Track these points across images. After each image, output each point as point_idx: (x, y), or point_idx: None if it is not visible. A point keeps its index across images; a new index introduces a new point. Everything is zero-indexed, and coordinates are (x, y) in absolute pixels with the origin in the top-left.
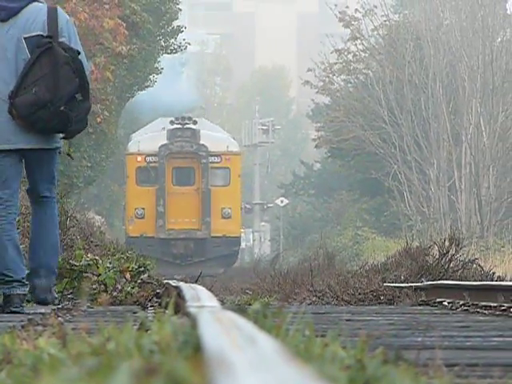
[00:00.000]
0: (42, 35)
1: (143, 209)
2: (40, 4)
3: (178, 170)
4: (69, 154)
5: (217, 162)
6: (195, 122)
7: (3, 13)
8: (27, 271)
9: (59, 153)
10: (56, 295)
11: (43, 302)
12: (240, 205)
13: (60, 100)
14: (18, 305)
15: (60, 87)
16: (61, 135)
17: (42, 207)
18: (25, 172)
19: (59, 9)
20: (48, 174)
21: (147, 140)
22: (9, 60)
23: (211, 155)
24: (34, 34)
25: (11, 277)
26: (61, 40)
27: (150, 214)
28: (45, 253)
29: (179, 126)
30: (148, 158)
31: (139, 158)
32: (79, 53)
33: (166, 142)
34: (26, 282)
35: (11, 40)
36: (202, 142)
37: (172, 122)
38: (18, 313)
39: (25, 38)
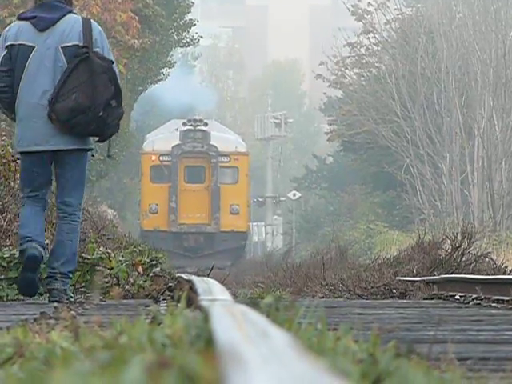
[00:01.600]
0: (78, 45)
1: (157, 204)
2: (75, 15)
3: (190, 168)
4: (109, 156)
5: (226, 162)
6: (206, 124)
7: (41, 23)
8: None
9: (92, 155)
10: (71, 294)
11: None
12: (247, 202)
13: (98, 106)
14: (32, 253)
15: (98, 94)
16: (95, 138)
17: (66, 216)
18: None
19: (92, 21)
20: (77, 180)
21: (161, 140)
22: (47, 68)
23: (221, 155)
24: (70, 43)
25: (32, 237)
26: (95, 50)
27: (163, 210)
28: (64, 261)
29: (191, 127)
30: (162, 157)
31: (153, 157)
32: (113, 62)
33: (178, 142)
34: (45, 246)
35: (49, 49)
36: (212, 142)
37: (184, 124)
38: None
39: (62, 48)
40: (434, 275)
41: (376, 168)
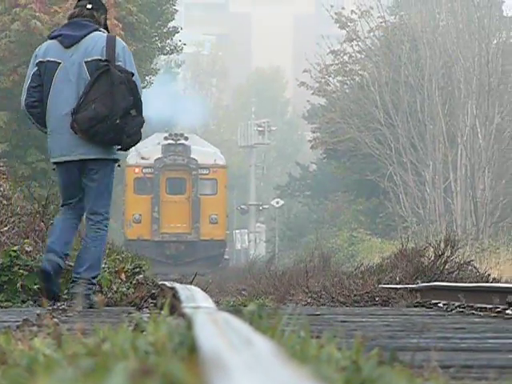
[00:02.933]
0: (100, 59)
1: (140, 215)
2: (100, 33)
3: (171, 180)
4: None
5: (205, 174)
6: (186, 138)
7: (67, 40)
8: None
9: (118, 166)
10: (96, 299)
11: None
12: (225, 212)
13: (115, 115)
14: (47, 268)
15: (115, 104)
16: (118, 147)
17: (93, 224)
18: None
19: (117, 37)
20: (104, 188)
21: (144, 154)
22: (71, 82)
23: (200, 168)
24: (93, 58)
25: (51, 247)
26: (117, 63)
27: (146, 220)
28: (88, 267)
29: (172, 141)
30: (144, 170)
31: (137, 170)
32: (133, 74)
33: (160, 155)
34: (63, 257)
35: (73, 64)
36: (192, 156)
37: (166, 138)
38: (48, 279)
39: (85, 62)
40: (417, 283)
41: (359, 176)
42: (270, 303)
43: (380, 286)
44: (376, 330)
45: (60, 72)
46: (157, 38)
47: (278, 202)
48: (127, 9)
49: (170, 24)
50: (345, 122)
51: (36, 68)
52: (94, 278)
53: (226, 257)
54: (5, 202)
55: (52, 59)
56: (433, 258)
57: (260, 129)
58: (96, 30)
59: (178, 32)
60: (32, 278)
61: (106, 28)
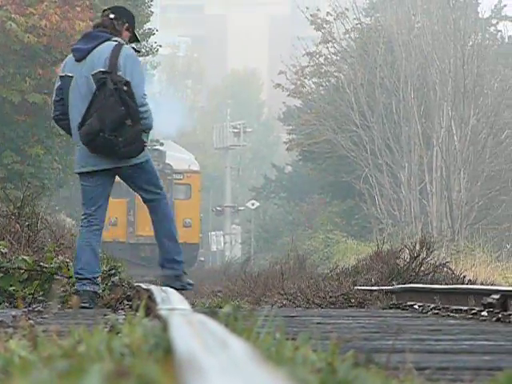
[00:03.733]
0: (102, 71)
1: (116, 218)
2: (110, 42)
3: None
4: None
5: (180, 179)
6: (162, 144)
7: (78, 54)
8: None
9: (147, 162)
10: (189, 281)
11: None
12: (199, 216)
13: (107, 128)
14: (86, 301)
15: (106, 117)
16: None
17: (152, 210)
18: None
19: (125, 46)
20: (145, 182)
21: None
22: (81, 95)
23: (175, 173)
24: (97, 70)
25: (83, 275)
26: (118, 73)
27: (122, 223)
28: (165, 248)
29: (148, 147)
30: None
31: None
32: (128, 82)
33: None
34: (98, 282)
35: (82, 77)
36: (167, 161)
37: None
38: (87, 308)
39: (92, 75)
40: (393, 285)
41: (335, 177)
42: (245, 305)
43: (355, 287)
44: (351, 331)
45: (73, 86)
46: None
47: (253, 204)
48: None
49: (146, 26)
50: (320, 124)
51: (59, 82)
52: (179, 257)
53: (202, 258)
54: None
55: (67, 73)
56: (408, 260)
57: (235, 130)
58: (107, 39)
59: (154, 34)
60: (7, 279)
61: (135, 35)
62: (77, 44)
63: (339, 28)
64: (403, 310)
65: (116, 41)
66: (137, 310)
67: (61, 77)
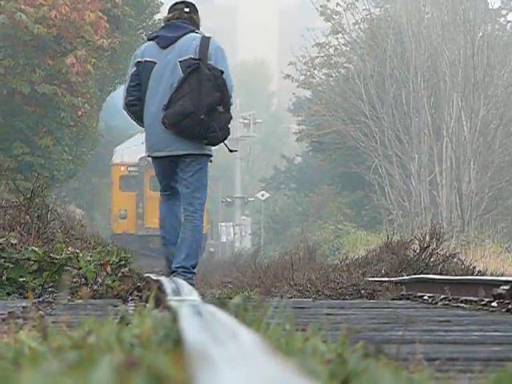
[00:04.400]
0: (192, 58)
1: (126, 210)
2: (195, 34)
3: (155, 178)
4: (231, 150)
5: None
6: None
7: (163, 41)
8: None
9: (210, 161)
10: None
11: None
12: (206, 207)
13: (201, 110)
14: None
15: (201, 100)
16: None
17: (189, 215)
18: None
19: (212, 38)
20: (198, 181)
21: (129, 153)
22: (166, 79)
23: None
24: (186, 57)
25: (168, 239)
26: (209, 62)
27: (131, 215)
28: (186, 256)
29: None
30: (129, 168)
31: (122, 168)
32: (223, 72)
33: (144, 154)
34: (194, 270)
35: (169, 63)
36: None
37: None
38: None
39: (180, 61)
40: (403, 276)
41: (344, 168)
42: (255, 296)
43: (365, 278)
44: (361, 322)
45: (156, 71)
46: (142, 31)
47: (263, 195)
48: (112, 1)
49: (156, 17)
50: (330, 115)
51: (135, 68)
52: (192, 266)
53: (211, 249)
54: None
55: (149, 59)
56: (418, 251)
57: (245, 121)
58: (192, 31)
59: None
60: (17, 270)
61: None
62: (159, 32)
63: (349, 19)
64: (413, 300)
65: (199, 33)
66: (147, 301)
67: (138, 62)
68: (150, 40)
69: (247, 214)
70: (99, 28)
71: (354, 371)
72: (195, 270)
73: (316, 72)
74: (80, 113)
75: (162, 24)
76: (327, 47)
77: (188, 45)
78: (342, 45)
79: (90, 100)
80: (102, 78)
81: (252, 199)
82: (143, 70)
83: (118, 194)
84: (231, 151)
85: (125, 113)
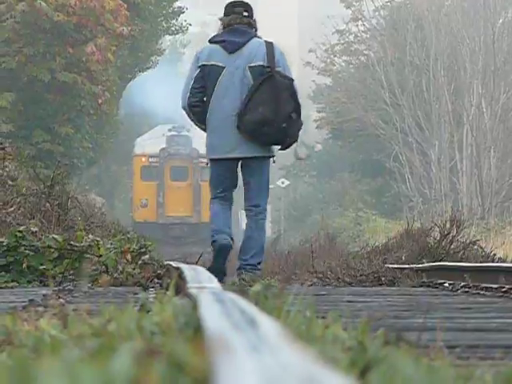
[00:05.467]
0: (263, 65)
1: (147, 199)
2: (259, 39)
3: (175, 168)
4: (299, 158)
5: (206, 163)
6: (188, 130)
7: (231, 46)
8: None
9: (273, 162)
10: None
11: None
12: None
13: (281, 119)
14: (222, 247)
15: (281, 108)
16: (278, 147)
17: (254, 215)
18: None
19: (274, 43)
20: (262, 182)
21: (150, 144)
22: (235, 85)
23: (201, 157)
24: (256, 64)
25: (220, 229)
26: (277, 69)
27: (152, 204)
28: (253, 254)
29: (176, 133)
30: (150, 159)
31: (143, 159)
32: (293, 80)
33: (165, 145)
34: (233, 237)
35: (238, 69)
36: (193, 146)
37: (170, 130)
38: (223, 258)
39: (249, 67)
40: (423, 263)
41: (365, 155)
42: (275, 283)
43: (386, 265)
44: (382, 310)
45: (224, 76)
46: (162, 19)
47: (283, 182)
48: None
49: (176, 4)
50: (350, 102)
51: (199, 70)
52: (258, 263)
53: None
54: (10, 182)
55: (216, 63)
56: (438, 238)
57: None
58: (255, 36)
59: (184, 12)
60: (38, 258)
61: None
62: (224, 37)
63: (369, 6)
64: (433, 288)
65: (260, 37)
66: (167, 289)
67: (203, 65)
68: (213, 43)
69: (268, 201)
70: (119, 16)
71: (374, 359)
72: (260, 267)
73: (336, 59)
74: (100, 101)
75: (220, 26)
76: (347, 34)
77: (255, 51)
78: (362, 32)
79: (110, 88)
80: (122, 66)
81: (272, 187)
82: (210, 74)
83: (140, 183)
84: (300, 158)
85: (144, 102)
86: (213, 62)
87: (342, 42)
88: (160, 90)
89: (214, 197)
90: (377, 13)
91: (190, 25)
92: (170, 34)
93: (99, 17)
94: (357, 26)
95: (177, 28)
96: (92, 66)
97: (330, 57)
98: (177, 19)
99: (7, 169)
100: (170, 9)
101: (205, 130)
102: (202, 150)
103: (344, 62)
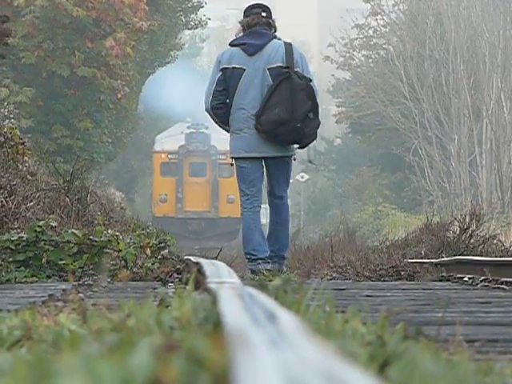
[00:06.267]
0: (281, 66)
1: (166, 195)
2: (278, 41)
3: (193, 165)
4: (310, 161)
5: (223, 159)
6: (207, 127)
7: (251, 49)
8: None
9: (294, 159)
10: (287, 272)
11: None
12: None
13: (297, 119)
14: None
15: (296, 109)
16: (295, 146)
17: (278, 209)
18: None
19: (293, 44)
20: (284, 178)
21: (169, 141)
22: (255, 86)
23: (219, 153)
24: (275, 65)
25: (256, 255)
26: (296, 70)
27: (172, 199)
28: (279, 247)
29: (194, 130)
30: (170, 156)
31: (163, 156)
32: (311, 80)
33: (183, 143)
34: (269, 261)
35: (258, 70)
36: (212, 143)
37: (189, 127)
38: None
39: (268, 69)
40: (442, 257)
41: (384, 150)
42: (295, 278)
43: (405, 260)
44: (401, 304)
45: (245, 77)
46: (181, 13)
47: (302, 177)
48: None
49: None
50: (370, 97)
51: (221, 73)
52: (285, 255)
53: None
54: (30, 177)
55: (237, 66)
56: (458, 232)
57: None
58: (274, 37)
59: (203, 7)
60: (57, 253)
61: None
62: (243, 39)
63: (388, 0)
64: (453, 282)
65: (279, 39)
66: (186, 284)
67: (224, 68)
68: (233, 46)
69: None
70: (138, 10)
71: (393, 353)
72: (286, 257)
73: (355, 53)
74: (119, 95)
75: (240, 27)
76: (366, 29)
77: (275, 52)
78: (382, 26)
79: (129, 83)
80: (142, 61)
81: (292, 181)
82: (231, 76)
83: (159, 179)
84: (310, 162)
85: (164, 97)
86: (234, 65)
87: (362, 36)
88: (179, 85)
89: (242, 195)
90: (396, 7)
91: (209, 19)
92: (189, 29)
93: (118, 11)
94: (376, 20)
95: (196, 22)
96: (111, 61)
97: (350, 51)
98: (196, 13)
99: (27, 164)
100: (189, 3)
101: (228, 130)
102: (220, 146)
103: (363, 57)
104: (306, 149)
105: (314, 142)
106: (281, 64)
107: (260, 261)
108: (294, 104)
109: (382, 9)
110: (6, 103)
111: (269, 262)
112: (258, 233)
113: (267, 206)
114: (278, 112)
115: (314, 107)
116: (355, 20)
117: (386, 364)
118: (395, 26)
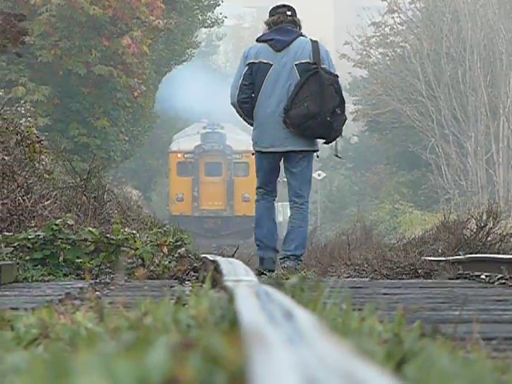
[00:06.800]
0: (308, 62)
1: (182, 194)
2: (304, 38)
3: (209, 164)
4: (337, 155)
5: (239, 158)
6: (222, 127)
7: (278, 44)
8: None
9: (317, 156)
10: (302, 272)
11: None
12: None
13: (326, 113)
14: (269, 265)
15: (326, 103)
16: (322, 140)
17: (298, 206)
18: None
19: (319, 42)
20: (306, 175)
21: (185, 141)
22: (282, 81)
23: (234, 153)
24: (302, 61)
25: (266, 243)
26: (323, 66)
27: (188, 198)
28: (296, 246)
29: (210, 130)
30: (186, 155)
31: (179, 155)
32: (338, 76)
33: (199, 142)
34: (277, 249)
35: (285, 66)
36: (227, 143)
37: (204, 127)
38: (270, 271)
39: (296, 64)
40: (459, 255)
41: (401, 148)
42: (312, 276)
43: (422, 258)
44: (418, 302)
45: (272, 73)
46: (198, 11)
47: (319, 175)
48: None
49: None
50: (386, 94)
51: (247, 68)
52: (301, 254)
53: None
54: (47, 175)
55: (264, 61)
56: (475, 230)
57: None
58: (300, 35)
59: (219, 5)
60: (74, 251)
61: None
62: (270, 35)
63: None
64: (470, 280)
65: (305, 36)
66: (203, 282)
67: (252, 63)
68: (260, 42)
69: (310, 194)
70: (155, 9)
71: (410, 351)
72: (302, 258)
73: (372, 51)
74: (136, 94)
75: (266, 27)
76: (383, 26)
77: (302, 49)
78: (398, 24)
79: (145, 81)
80: (158, 59)
81: None
82: (258, 71)
83: (176, 178)
84: (336, 155)
85: (180, 97)
86: (261, 60)
87: (378, 34)
88: (195, 84)
89: (259, 187)
90: (413, 5)
91: (226, 17)
92: (205, 27)
93: (135, 10)
94: (393, 18)
95: (212, 21)
96: (128, 59)
97: (366, 49)
98: (212, 12)
99: (43, 162)
100: (205, 1)
101: (252, 124)
102: (236, 146)
103: (380, 54)
104: (329, 144)
105: (340, 136)
106: (308, 60)
107: (268, 249)
108: (323, 98)
109: (398, 6)
110: (22, 102)
111: (277, 251)
112: (270, 222)
113: (283, 203)
114: (307, 106)
115: (342, 102)
116: (372, 18)
117: (403, 362)
118: (412, 24)
